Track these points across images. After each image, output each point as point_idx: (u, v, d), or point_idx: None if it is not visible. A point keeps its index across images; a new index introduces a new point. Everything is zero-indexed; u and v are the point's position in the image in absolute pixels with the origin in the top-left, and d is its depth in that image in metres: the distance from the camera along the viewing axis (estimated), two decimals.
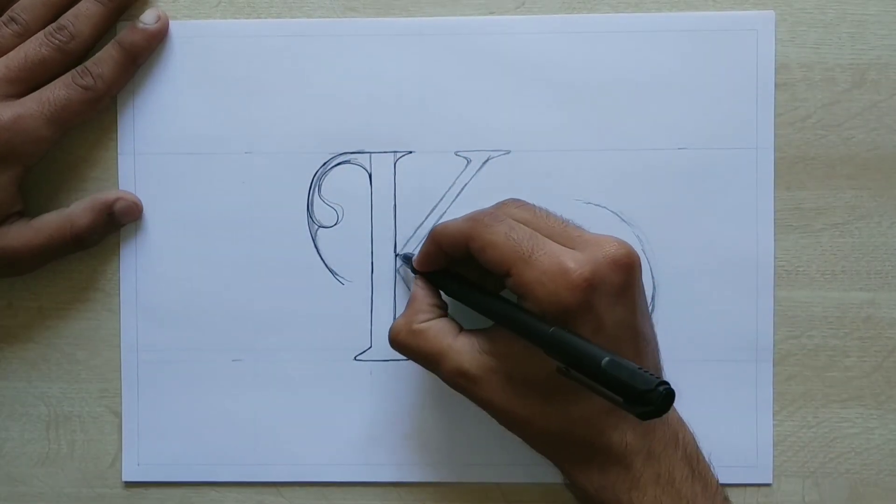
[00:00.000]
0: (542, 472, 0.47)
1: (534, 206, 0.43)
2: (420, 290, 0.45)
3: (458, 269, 0.45)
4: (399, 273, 0.48)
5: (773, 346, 0.47)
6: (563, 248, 0.40)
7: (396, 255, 0.48)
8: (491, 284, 0.44)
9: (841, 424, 0.48)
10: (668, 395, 0.35)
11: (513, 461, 0.48)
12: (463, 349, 0.42)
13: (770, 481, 0.47)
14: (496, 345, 0.42)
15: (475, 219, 0.42)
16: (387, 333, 0.44)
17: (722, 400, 0.47)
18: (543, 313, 0.39)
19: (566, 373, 0.38)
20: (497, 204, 0.44)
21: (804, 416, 0.48)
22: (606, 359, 0.36)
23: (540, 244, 0.40)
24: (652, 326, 0.43)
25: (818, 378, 0.47)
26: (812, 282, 0.47)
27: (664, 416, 0.41)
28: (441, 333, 0.43)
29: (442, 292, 0.45)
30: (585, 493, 0.42)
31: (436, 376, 0.43)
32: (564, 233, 0.41)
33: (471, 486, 0.48)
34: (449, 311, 0.45)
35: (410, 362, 0.47)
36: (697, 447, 0.43)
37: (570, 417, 0.41)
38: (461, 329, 0.44)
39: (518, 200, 0.44)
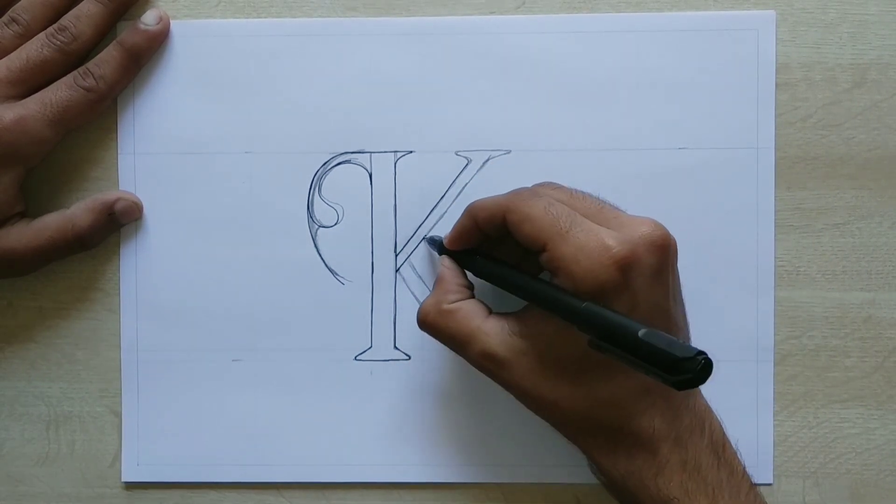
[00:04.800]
0: (543, 472, 0.47)
1: (570, 188, 0.43)
2: (447, 270, 0.45)
3: (488, 251, 0.44)
4: (430, 251, 0.47)
5: (774, 346, 0.47)
6: (601, 226, 0.40)
7: (423, 239, 0.48)
8: (522, 267, 0.43)
9: (841, 425, 0.47)
10: (707, 365, 0.35)
11: (513, 461, 0.48)
12: (492, 331, 0.42)
13: (770, 481, 0.47)
14: (527, 326, 0.41)
15: (514, 193, 0.42)
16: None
17: (722, 400, 0.46)
18: (577, 290, 0.39)
19: (599, 347, 0.37)
20: (534, 185, 0.44)
21: (805, 416, 0.47)
22: (643, 330, 0.36)
23: (578, 221, 0.40)
24: (684, 314, 0.43)
25: (819, 378, 0.47)
26: (812, 282, 0.47)
27: (691, 402, 0.41)
28: (471, 315, 0.43)
29: (469, 274, 0.45)
30: (611, 478, 0.42)
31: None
32: (601, 213, 0.41)
33: (471, 486, 0.48)
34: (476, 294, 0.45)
35: (411, 363, 0.48)
36: (724, 435, 0.42)
37: (598, 400, 0.41)
38: (490, 311, 0.43)
39: (554, 183, 0.44)
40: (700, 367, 0.34)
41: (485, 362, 0.42)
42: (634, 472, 0.41)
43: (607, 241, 0.39)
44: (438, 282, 0.44)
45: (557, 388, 0.41)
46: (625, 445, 0.41)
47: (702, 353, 0.35)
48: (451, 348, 0.43)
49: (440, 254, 0.46)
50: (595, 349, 0.38)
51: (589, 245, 0.39)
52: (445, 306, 0.43)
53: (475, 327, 0.42)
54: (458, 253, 0.45)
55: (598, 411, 0.41)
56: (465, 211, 0.44)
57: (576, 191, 0.43)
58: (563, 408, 0.41)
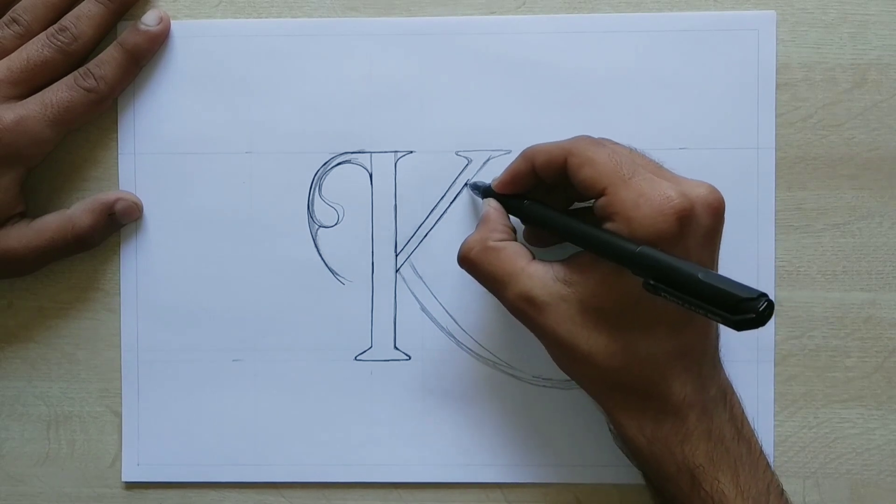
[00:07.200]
0: (543, 472, 0.47)
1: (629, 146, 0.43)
2: (494, 210, 0.44)
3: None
4: (473, 197, 0.47)
5: (774, 346, 0.47)
6: (661, 179, 0.40)
7: (465, 184, 0.47)
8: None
9: (842, 425, 0.47)
10: (769, 305, 0.34)
11: (513, 461, 0.48)
12: (535, 274, 0.41)
13: None
14: (573, 272, 0.41)
15: (576, 138, 0.42)
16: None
17: None
18: (633, 235, 0.38)
19: (657, 289, 0.37)
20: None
21: (805, 416, 0.47)
22: (702, 271, 0.36)
23: (640, 171, 0.40)
24: None
25: (819, 378, 0.47)
26: (813, 282, 0.47)
27: (717, 374, 0.41)
28: (516, 255, 0.42)
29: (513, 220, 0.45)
30: (635, 443, 0.41)
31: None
32: (659, 171, 0.41)
33: (471, 486, 0.48)
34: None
35: (411, 363, 0.48)
36: (743, 411, 0.42)
37: (635, 356, 0.40)
38: (534, 256, 0.43)
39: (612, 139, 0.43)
40: (762, 308, 0.34)
41: (522, 305, 0.41)
42: (661, 437, 0.41)
43: (669, 192, 0.39)
44: (484, 220, 0.44)
45: (594, 340, 0.40)
46: (653, 409, 0.41)
47: (764, 294, 0.34)
48: (489, 288, 0.43)
49: (484, 198, 0.45)
50: (652, 292, 0.37)
51: (650, 193, 0.39)
52: (491, 244, 0.42)
53: (519, 268, 0.42)
54: (505, 198, 0.44)
55: (633, 368, 0.40)
56: (520, 155, 0.43)
57: (634, 148, 0.42)
58: (597, 361, 0.40)
